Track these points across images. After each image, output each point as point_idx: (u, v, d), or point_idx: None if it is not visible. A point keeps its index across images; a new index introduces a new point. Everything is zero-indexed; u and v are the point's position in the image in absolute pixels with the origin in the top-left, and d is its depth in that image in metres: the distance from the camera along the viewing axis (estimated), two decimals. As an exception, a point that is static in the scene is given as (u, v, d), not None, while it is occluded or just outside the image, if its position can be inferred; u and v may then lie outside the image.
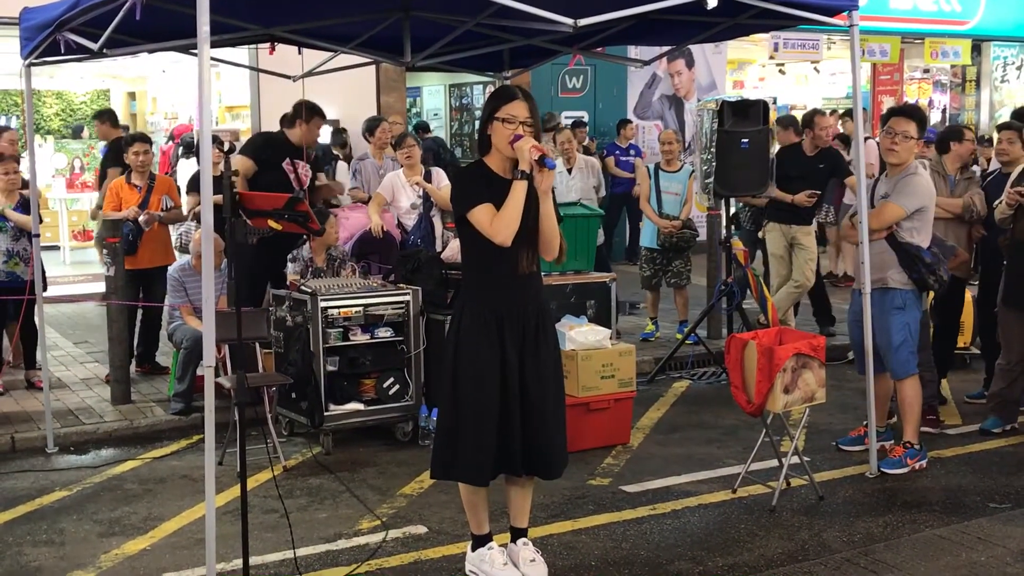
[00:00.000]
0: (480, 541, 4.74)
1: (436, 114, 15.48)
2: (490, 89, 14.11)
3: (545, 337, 4.59)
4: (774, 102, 18.29)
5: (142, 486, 6.19)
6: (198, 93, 4.25)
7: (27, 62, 6.46)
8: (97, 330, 9.59)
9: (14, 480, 6.28)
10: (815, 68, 18.35)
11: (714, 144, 8.38)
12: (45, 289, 7.38)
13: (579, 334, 6.71)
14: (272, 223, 4.16)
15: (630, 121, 13.93)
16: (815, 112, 9.51)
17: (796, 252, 9.24)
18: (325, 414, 6.63)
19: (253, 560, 4.91)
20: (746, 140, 8.38)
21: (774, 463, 5.92)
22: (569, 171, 9.74)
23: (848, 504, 5.69)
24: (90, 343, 9.58)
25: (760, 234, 9.76)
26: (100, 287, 8.65)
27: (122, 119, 19.18)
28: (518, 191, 4.33)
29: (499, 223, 4.33)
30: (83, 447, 6.94)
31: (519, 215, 4.34)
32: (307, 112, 7.77)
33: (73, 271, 12.65)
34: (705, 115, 8.60)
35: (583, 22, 5.08)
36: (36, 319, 7.08)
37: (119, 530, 5.47)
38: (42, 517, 5.66)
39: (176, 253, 8.45)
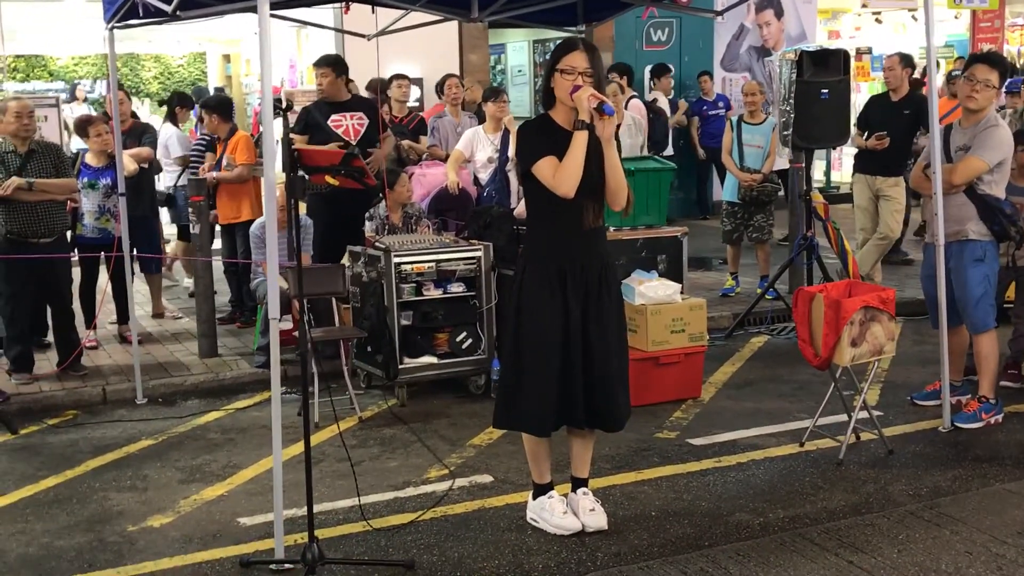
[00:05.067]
0: (541, 490, 4.83)
1: (520, 71, 15.46)
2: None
3: (608, 291, 4.63)
4: (869, 52, 17.85)
5: (224, 435, 6.42)
6: (260, 52, 4.36)
7: (110, 26, 6.67)
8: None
9: (104, 429, 6.57)
10: (912, 16, 17.80)
11: (793, 95, 8.24)
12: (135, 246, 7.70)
13: (649, 288, 6.71)
14: (329, 179, 4.26)
15: (707, 73, 13.73)
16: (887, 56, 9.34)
17: (882, 203, 9.06)
18: (400, 367, 6.77)
19: (324, 506, 5.10)
20: (826, 91, 8.22)
21: (845, 417, 5.87)
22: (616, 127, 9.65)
23: (917, 458, 5.63)
24: (181, 299, 9.90)
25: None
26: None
27: (217, 81, 19.66)
28: (579, 141, 4.35)
29: (561, 175, 4.36)
30: (170, 398, 7.21)
31: (581, 165, 4.36)
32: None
33: (168, 230, 12.95)
34: (784, 65, 8.44)
35: (642, -27, 5.04)
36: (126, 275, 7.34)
37: (199, 477, 5.70)
38: (128, 464, 5.93)
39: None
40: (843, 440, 5.65)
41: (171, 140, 9.88)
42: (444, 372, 6.96)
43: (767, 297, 8.91)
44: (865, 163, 9.09)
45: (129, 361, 7.51)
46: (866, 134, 8.98)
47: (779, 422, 6.32)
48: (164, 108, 10.26)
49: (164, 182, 9.95)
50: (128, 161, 7.87)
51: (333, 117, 7.90)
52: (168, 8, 5.80)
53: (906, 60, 9.20)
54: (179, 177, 9.65)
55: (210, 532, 4.96)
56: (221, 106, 8.74)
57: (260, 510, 5.17)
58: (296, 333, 7.19)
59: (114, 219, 7.82)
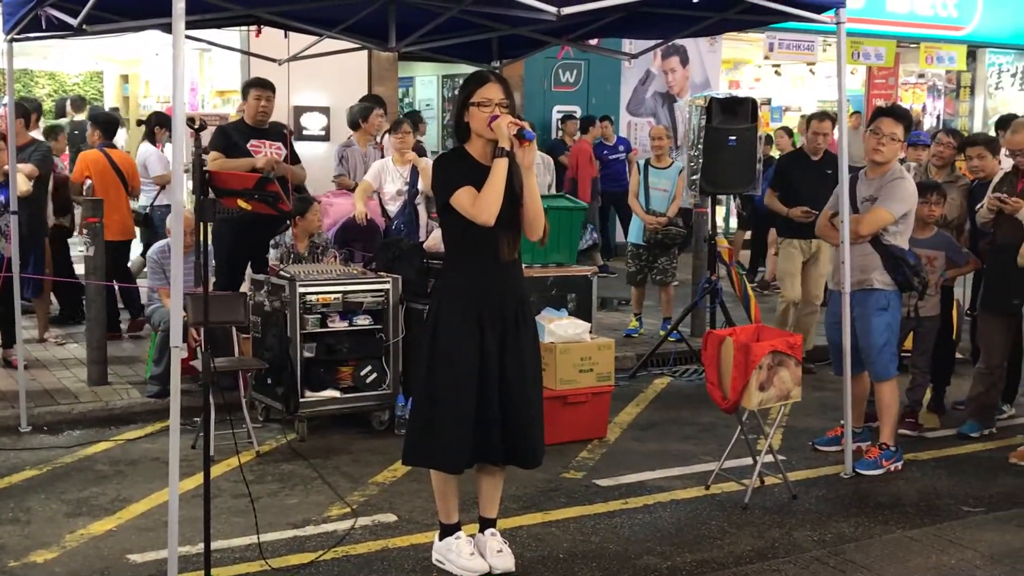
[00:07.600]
0: (448, 530, 4.71)
1: (428, 104, 15.41)
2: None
3: (525, 326, 4.57)
4: (768, 103, 18.26)
5: (113, 467, 6.14)
6: (173, 70, 4.21)
7: (9, 38, 6.42)
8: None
9: (-16, 458, 6.25)
10: (811, 70, 18.29)
11: (701, 141, 8.33)
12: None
13: (559, 327, 6.67)
14: (242, 203, 4.11)
15: (607, 118, 13.83)
16: (812, 116, 9.03)
17: (812, 268, 8.49)
18: (301, 400, 6.59)
19: (220, 544, 4.89)
20: (734, 137, 8.32)
21: (750, 461, 5.88)
22: None
23: (821, 504, 5.67)
24: (71, 322, 9.52)
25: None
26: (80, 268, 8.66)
27: (114, 102, 19.17)
28: (499, 168, 4.30)
29: (481, 202, 4.29)
30: (57, 427, 6.88)
31: (501, 192, 4.31)
32: (244, 88, 7.80)
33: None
34: (694, 111, 8.54)
35: (566, 11, 5.05)
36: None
37: (86, 510, 5.43)
38: (10, 496, 5.62)
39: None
40: (748, 484, 5.65)
41: (150, 159, 9.88)
42: (347, 407, 6.80)
43: (670, 339, 8.95)
44: (798, 228, 8.24)
45: (13, 387, 7.17)
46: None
47: (684, 464, 6.31)
48: (143, 128, 10.30)
49: (141, 201, 9.88)
50: (21, 180, 7.57)
51: (252, 142, 7.68)
52: (74, 22, 5.58)
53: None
54: (156, 197, 9.73)
55: (98, 569, 4.71)
56: (107, 123, 9.27)
57: (151, 547, 4.94)
58: (192, 362, 6.97)
59: (5, 238, 7.49)
